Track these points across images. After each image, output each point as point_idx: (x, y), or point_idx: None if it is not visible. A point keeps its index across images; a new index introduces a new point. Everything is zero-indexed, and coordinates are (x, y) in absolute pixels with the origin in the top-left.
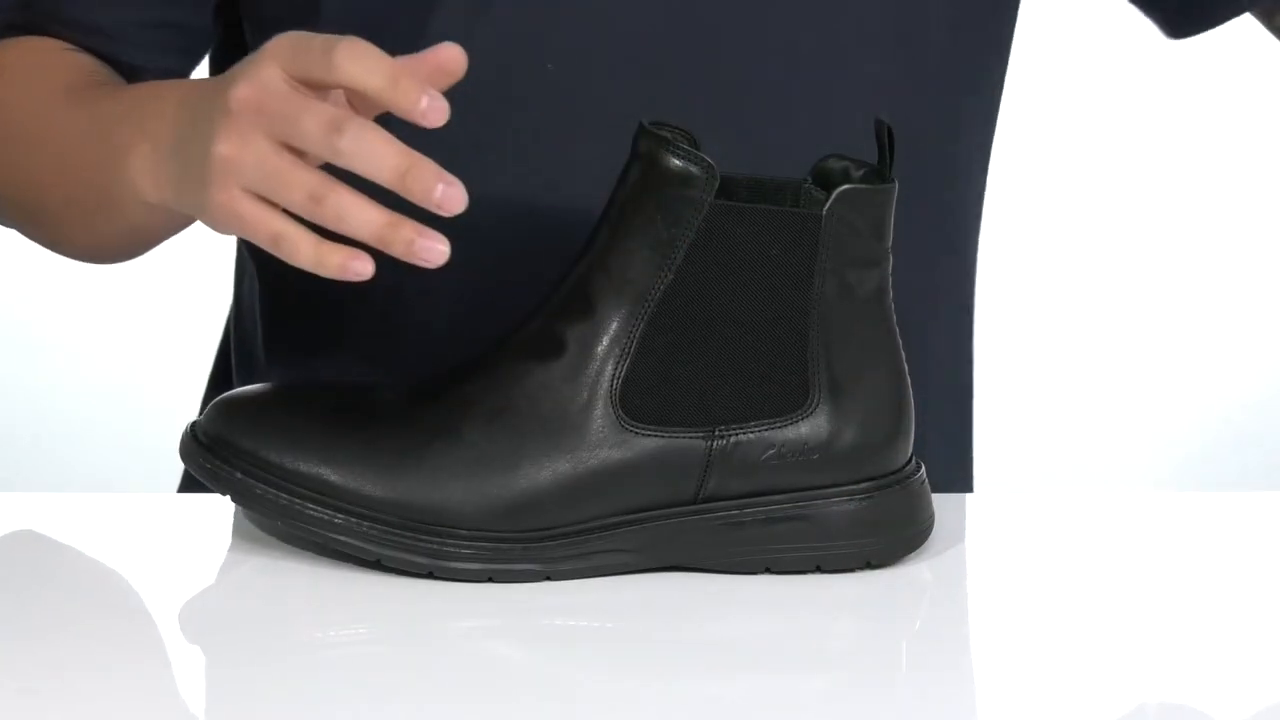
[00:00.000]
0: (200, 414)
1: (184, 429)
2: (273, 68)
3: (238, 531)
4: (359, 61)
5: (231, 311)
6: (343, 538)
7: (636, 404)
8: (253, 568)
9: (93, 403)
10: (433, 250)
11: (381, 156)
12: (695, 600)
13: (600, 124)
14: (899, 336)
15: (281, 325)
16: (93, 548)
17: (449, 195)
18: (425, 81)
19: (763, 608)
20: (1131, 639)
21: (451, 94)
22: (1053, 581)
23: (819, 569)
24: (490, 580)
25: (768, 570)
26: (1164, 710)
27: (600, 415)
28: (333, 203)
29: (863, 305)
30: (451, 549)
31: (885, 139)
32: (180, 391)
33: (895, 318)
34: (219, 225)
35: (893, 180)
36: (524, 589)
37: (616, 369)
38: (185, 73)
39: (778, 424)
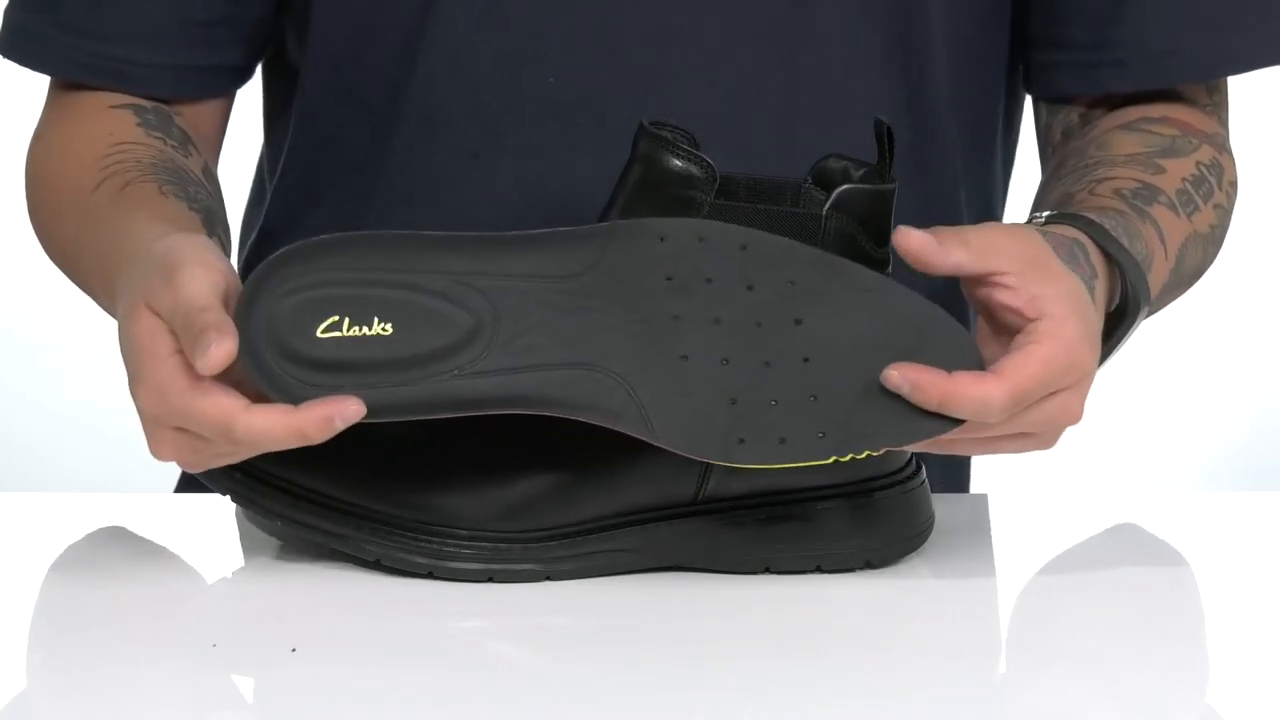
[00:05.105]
0: None
1: None
2: (163, 370)
3: (237, 531)
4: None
5: None
6: (343, 537)
7: None
8: (253, 568)
9: (93, 403)
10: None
11: (274, 434)
12: (695, 600)
13: (603, 135)
14: None
15: None
16: (93, 548)
17: (346, 416)
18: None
19: (763, 608)
20: (1130, 639)
21: (455, 101)
22: (1052, 582)
23: (819, 569)
24: (490, 580)
25: (768, 570)
26: (1163, 711)
27: None
28: (245, 442)
29: None
30: (451, 549)
31: (885, 139)
32: None
33: None
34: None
35: (893, 180)
36: (524, 589)
37: None
38: (251, 68)
39: None
